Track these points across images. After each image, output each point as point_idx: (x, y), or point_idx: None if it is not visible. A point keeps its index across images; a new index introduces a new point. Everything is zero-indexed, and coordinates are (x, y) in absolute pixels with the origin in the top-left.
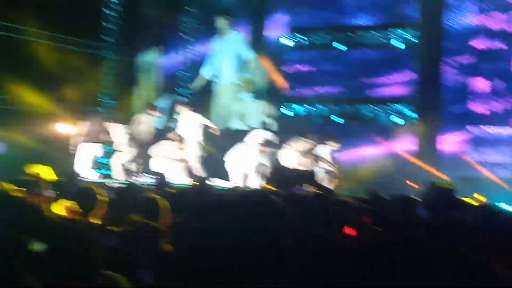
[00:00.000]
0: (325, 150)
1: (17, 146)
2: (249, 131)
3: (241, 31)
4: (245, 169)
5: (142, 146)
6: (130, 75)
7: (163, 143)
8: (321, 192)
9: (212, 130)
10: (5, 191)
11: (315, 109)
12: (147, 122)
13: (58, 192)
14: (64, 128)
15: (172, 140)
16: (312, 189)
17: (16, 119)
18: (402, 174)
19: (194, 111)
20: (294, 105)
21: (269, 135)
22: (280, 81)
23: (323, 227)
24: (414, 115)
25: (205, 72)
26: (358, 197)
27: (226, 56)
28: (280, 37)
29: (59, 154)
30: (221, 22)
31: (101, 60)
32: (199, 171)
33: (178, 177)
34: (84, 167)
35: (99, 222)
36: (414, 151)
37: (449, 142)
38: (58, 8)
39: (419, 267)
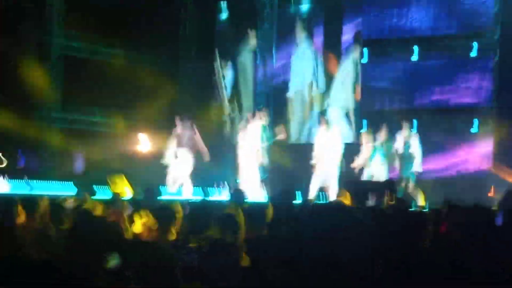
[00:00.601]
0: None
1: (96, 164)
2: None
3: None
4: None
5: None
6: (207, 90)
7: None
8: (399, 205)
9: (280, 136)
10: (85, 209)
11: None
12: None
13: (137, 209)
14: (142, 145)
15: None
16: (389, 201)
17: (95, 138)
18: (480, 185)
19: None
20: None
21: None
22: (357, 95)
23: (402, 240)
24: (491, 123)
25: (292, 86)
26: (435, 208)
27: (307, 69)
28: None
29: (138, 171)
30: (301, 35)
31: (177, 76)
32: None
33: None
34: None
35: (177, 238)
36: (492, 160)
37: None
38: (134, 27)
39: (494, 273)
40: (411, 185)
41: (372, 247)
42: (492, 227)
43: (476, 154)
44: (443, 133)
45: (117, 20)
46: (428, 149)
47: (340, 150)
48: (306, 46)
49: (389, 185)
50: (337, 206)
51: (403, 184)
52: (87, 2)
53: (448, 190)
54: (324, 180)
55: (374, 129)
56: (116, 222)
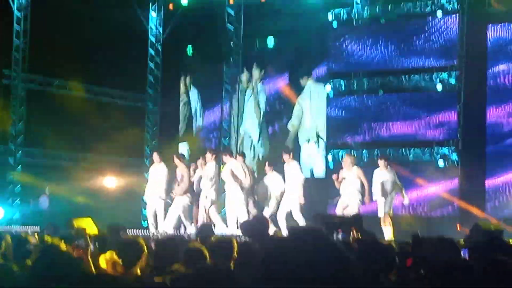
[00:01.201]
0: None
1: (60, 200)
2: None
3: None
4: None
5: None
6: (173, 125)
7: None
8: (365, 238)
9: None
10: (49, 245)
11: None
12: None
13: (102, 245)
14: (108, 181)
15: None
16: (356, 234)
17: (59, 174)
18: (448, 217)
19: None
20: (335, 151)
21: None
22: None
23: (366, 273)
24: (456, 157)
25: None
26: (401, 241)
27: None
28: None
29: (103, 206)
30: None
31: (143, 111)
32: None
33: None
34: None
35: (142, 273)
36: (459, 193)
37: (495, 181)
38: (99, 61)
39: None
40: (382, 218)
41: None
42: (457, 260)
43: (443, 188)
44: (410, 167)
45: (80, 53)
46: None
47: (299, 183)
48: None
49: (356, 220)
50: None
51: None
52: (52, 35)
53: (416, 224)
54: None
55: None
56: (80, 258)
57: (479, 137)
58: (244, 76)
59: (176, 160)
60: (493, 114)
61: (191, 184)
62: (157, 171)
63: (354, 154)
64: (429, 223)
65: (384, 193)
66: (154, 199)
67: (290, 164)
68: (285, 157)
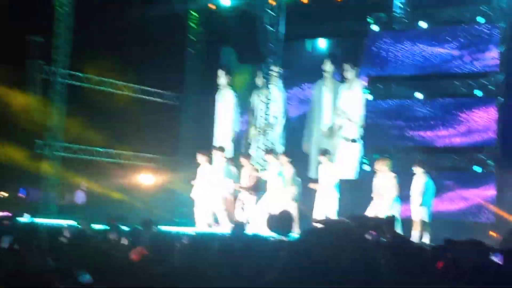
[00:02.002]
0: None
1: (96, 196)
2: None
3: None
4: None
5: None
6: (209, 122)
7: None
8: (397, 238)
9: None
10: (84, 234)
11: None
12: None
13: (135, 239)
14: (143, 177)
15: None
16: (388, 235)
17: (96, 169)
18: (482, 224)
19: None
20: (372, 154)
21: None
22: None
23: (396, 274)
24: (493, 163)
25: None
26: (435, 245)
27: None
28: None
29: (138, 203)
30: (326, 66)
31: (178, 109)
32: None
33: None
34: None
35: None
36: (495, 200)
37: None
38: (137, 58)
39: None
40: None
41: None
42: (487, 263)
43: (479, 195)
44: (446, 173)
45: (122, 52)
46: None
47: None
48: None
49: (389, 221)
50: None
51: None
52: (94, 34)
53: (451, 229)
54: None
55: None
56: (111, 249)
57: None
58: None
59: (243, 160)
60: None
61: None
62: (211, 170)
63: (389, 158)
64: (464, 228)
65: (418, 199)
66: (214, 198)
67: (325, 166)
68: (322, 158)
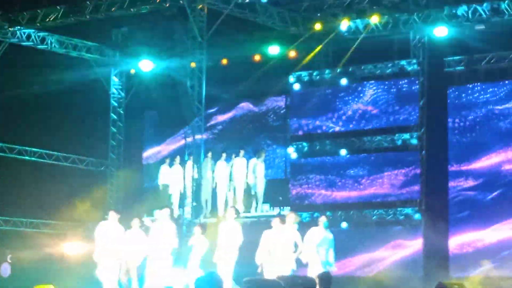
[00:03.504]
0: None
1: (22, 267)
2: None
3: None
4: None
5: None
6: (137, 190)
7: None
8: None
9: None
10: None
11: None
12: None
13: None
14: (69, 247)
15: None
16: None
17: (20, 240)
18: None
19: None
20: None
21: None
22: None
23: None
24: (420, 217)
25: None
26: None
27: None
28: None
29: (65, 273)
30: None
31: (105, 176)
32: None
33: None
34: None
35: None
36: (422, 253)
37: (458, 243)
38: (60, 127)
39: None
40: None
41: None
42: None
43: (409, 246)
44: (373, 227)
45: (41, 120)
46: (357, 245)
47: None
48: None
49: (325, 278)
50: None
51: None
52: (13, 101)
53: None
54: None
55: None
56: None
57: (441, 194)
58: None
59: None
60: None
61: None
62: (139, 234)
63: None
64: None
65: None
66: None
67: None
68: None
